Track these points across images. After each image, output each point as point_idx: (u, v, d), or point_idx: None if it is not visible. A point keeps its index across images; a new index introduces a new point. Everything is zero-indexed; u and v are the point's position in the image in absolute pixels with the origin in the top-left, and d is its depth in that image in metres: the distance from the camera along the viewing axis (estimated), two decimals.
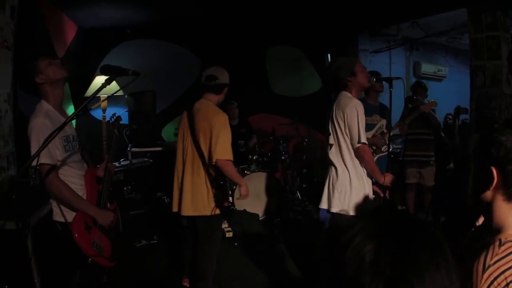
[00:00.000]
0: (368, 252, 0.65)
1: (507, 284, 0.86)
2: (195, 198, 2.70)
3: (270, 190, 4.93)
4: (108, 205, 2.25)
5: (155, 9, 4.97)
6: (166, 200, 4.77)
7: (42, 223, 2.34)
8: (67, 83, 2.26)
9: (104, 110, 4.81)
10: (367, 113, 3.14)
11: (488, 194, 0.99)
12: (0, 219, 2.20)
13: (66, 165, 2.04)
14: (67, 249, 2.00)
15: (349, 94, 2.68)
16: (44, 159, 1.88)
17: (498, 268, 0.87)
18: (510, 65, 4.06)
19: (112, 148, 2.43)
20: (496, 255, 0.89)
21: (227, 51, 5.60)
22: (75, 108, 5.17)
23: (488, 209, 1.00)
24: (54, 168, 1.95)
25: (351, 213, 2.60)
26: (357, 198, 2.61)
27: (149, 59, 5.74)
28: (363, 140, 2.56)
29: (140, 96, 4.71)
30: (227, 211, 4.25)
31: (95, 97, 1.89)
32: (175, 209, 2.82)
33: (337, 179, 2.66)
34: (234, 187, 4.47)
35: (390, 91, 2.80)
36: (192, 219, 2.80)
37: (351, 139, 2.60)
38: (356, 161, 2.64)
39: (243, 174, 4.64)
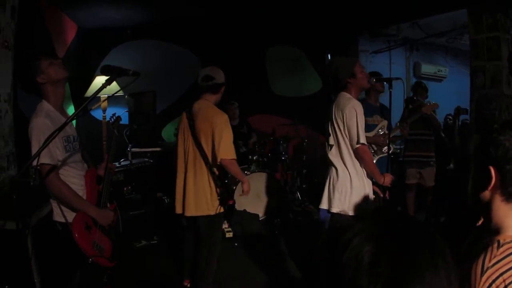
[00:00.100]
0: (367, 253, 0.65)
1: (506, 287, 0.86)
2: (198, 199, 2.72)
3: (270, 190, 4.93)
4: (108, 205, 2.25)
5: (155, 9, 4.97)
6: (166, 200, 4.77)
7: (42, 223, 2.34)
8: (67, 83, 2.26)
9: (104, 110, 4.81)
10: (368, 113, 3.14)
11: (487, 194, 0.98)
12: (0, 219, 2.20)
13: (67, 165, 2.04)
14: (67, 249, 2.00)
15: (348, 95, 2.68)
16: (44, 159, 1.88)
17: (496, 270, 0.87)
18: (510, 66, 4.06)
19: (112, 148, 2.43)
20: (495, 257, 0.89)
21: (227, 51, 5.60)
22: (75, 108, 5.17)
23: (487, 209, 0.99)
24: (54, 168, 1.95)
25: (351, 213, 2.60)
26: (358, 198, 2.61)
27: (149, 59, 5.74)
28: (362, 140, 2.56)
29: (140, 96, 4.71)
30: (231, 209, 4.29)
31: (95, 97, 1.89)
32: (179, 210, 2.83)
33: (337, 179, 2.66)
34: (234, 187, 4.47)
35: (390, 92, 2.80)
36: (194, 219, 2.81)
37: (350, 140, 2.60)
38: (356, 162, 2.64)
39: None
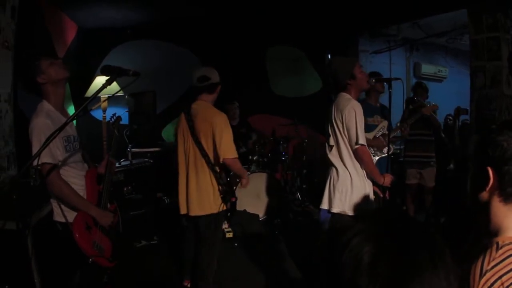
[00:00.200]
0: (367, 253, 0.65)
1: None
2: (201, 198, 2.75)
3: (270, 190, 4.93)
4: (109, 205, 2.25)
5: (155, 9, 4.97)
6: (166, 200, 4.77)
7: (43, 223, 2.34)
8: (68, 83, 2.26)
9: (104, 111, 4.81)
10: (368, 114, 3.14)
11: (485, 194, 0.98)
12: (0, 219, 2.20)
13: (67, 165, 2.04)
14: (68, 249, 2.00)
15: (348, 96, 2.67)
16: (45, 158, 1.89)
17: (495, 273, 0.86)
18: (511, 66, 4.06)
19: (112, 149, 2.43)
20: (494, 259, 0.88)
21: (227, 51, 5.60)
22: (76, 108, 5.17)
23: (485, 210, 0.99)
24: (55, 167, 1.95)
25: (352, 213, 2.60)
26: (358, 198, 2.61)
27: (149, 59, 5.74)
28: (361, 141, 2.55)
29: (140, 97, 4.71)
30: (232, 207, 4.32)
31: (95, 97, 1.89)
32: (183, 211, 2.85)
33: (338, 179, 2.66)
34: (234, 188, 4.47)
35: (390, 92, 2.80)
36: (195, 218, 2.82)
37: (350, 141, 2.60)
38: (357, 162, 2.63)
39: None
